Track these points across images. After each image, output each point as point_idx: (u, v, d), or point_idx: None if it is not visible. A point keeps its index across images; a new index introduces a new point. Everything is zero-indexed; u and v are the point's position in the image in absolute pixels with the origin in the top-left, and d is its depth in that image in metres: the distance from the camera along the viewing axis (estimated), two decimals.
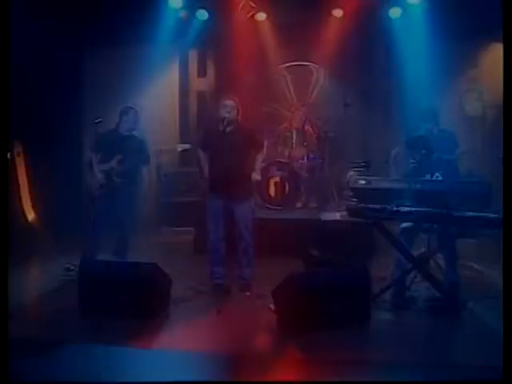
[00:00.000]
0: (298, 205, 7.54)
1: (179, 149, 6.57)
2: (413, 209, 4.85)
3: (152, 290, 4.79)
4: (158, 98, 8.56)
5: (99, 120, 5.94)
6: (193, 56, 9.17)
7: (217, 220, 5.49)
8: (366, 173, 5.85)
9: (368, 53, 8.68)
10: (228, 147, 5.33)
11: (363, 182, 5.11)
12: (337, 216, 7.10)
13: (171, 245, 7.55)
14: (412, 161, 5.37)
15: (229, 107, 5.37)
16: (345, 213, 7.22)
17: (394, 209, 4.89)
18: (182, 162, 8.92)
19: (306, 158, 7.77)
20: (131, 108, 6.36)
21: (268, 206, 7.18)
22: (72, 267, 6.12)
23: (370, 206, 5.05)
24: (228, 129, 5.37)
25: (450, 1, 7.52)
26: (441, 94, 8.05)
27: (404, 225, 5.35)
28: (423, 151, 5.32)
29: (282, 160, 7.26)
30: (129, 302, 4.71)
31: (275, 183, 7.30)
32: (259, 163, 5.74)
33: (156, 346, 4.33)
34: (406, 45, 8.16)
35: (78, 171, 8.45)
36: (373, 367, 4.02)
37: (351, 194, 5.12)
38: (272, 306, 4.93)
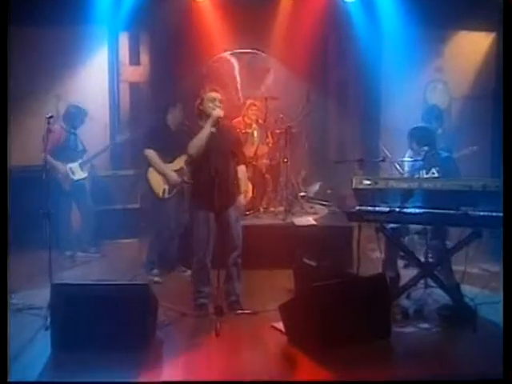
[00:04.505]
0: (261, 209, 7.41)
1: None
2: (423, 210, 4.92)
3: (144, 314, 4.48)
4: (86, 89, 8.05)
5: (50, 115, 5.51)
6: (124, 41, 8.70)
7: (207, 234, 5.13)
8: (359, 172, 5.84)
9: (322, 40, 8.74)
10: (216, 149, 4.97)
11: (368, 182, 5.10)
12: (310, 220, 7.08)
13: (117, 259, 7.14)
14: (423, 152, 5.51)
15: (217, 101, 5.05)
16: (318, 216, 7.33)
17: (402, 211, 4.93)
18: (117, 163, 8.50)
19: (268, 156, 7.66)
20: (178, 102, 6.47)
21: None
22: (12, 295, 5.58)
23: (371, 208, 5.08)
24: (218, 126, 5.02)
25: None
26: (403, 84, 8.25)
27: (393, 224, 5.40)
28: (427, 147, 5.49)
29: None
30: (116, 329, 4.37)
31: None
32: (245, 179, 5.47)
33: (157, 378, 4.09)
34: (365, 31, 8.28)
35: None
36: None
37: (356, 195, 5.08)
38: (277, 325, 4.82)
